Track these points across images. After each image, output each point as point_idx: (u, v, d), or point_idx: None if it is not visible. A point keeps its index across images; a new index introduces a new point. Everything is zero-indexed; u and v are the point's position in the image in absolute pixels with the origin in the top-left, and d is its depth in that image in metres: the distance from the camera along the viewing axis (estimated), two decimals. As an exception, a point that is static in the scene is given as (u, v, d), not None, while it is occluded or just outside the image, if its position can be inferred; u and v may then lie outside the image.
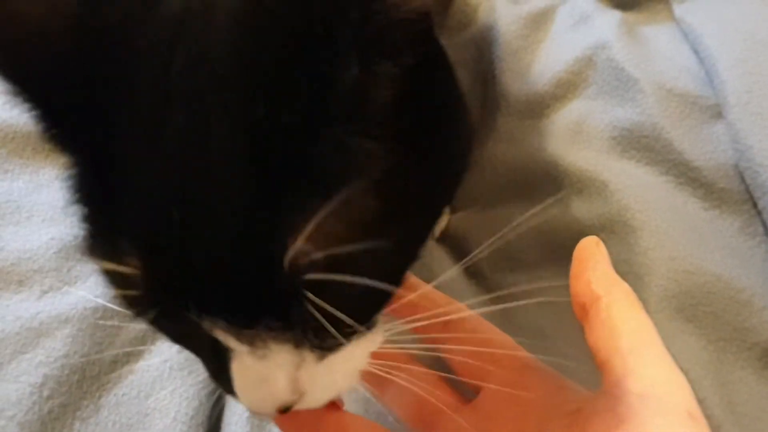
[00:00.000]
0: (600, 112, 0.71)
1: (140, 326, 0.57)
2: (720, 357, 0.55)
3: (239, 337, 0.27)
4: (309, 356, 0.28)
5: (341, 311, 0.26)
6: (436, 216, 0.35)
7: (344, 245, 0.25)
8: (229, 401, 0.53)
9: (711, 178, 0.64)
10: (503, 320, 0.62)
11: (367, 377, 0.33)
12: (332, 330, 0.27)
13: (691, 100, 0.69)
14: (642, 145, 0.67)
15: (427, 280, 0.42)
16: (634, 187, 0.63)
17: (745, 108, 0.64)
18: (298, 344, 0.28)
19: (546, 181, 0.68)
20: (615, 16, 0.79)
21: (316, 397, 0.30)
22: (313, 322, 0.27)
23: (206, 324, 0.27)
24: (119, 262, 0.26)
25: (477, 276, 0.66)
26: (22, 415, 0.50)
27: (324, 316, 0.26)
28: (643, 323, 0.35)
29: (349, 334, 0.29)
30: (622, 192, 0.63)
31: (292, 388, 0.28)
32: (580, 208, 0.64)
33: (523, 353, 0.43)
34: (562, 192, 0.66)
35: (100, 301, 0.56)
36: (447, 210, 0.73)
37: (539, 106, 0.74)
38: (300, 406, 0.30)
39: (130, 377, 0.55)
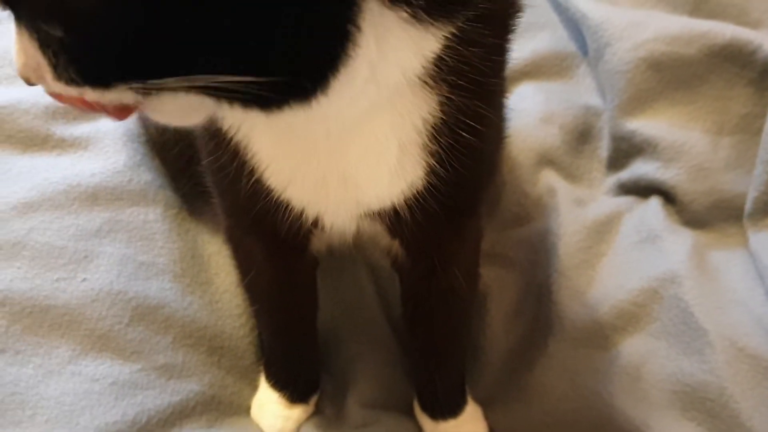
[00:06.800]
0: (663, 358, 0.65)
1: None
2: None
3: None
4: None
5: None
6: None
7: None
8: None
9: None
10: None
11: None
12: None
13: (765, 364, 0.63)
14: (706, 408, 0.61)
15: None
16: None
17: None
18: None
19: (599, 430, 0.62)
20: (686, 240, 0.74)
21: None
22: None
23: None
24: None
25: None
26: None
27: None
28: None
29: None
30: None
31: None
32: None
33: None
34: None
35: None
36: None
37: (597, 336, 0.68)
38: None
39: None
